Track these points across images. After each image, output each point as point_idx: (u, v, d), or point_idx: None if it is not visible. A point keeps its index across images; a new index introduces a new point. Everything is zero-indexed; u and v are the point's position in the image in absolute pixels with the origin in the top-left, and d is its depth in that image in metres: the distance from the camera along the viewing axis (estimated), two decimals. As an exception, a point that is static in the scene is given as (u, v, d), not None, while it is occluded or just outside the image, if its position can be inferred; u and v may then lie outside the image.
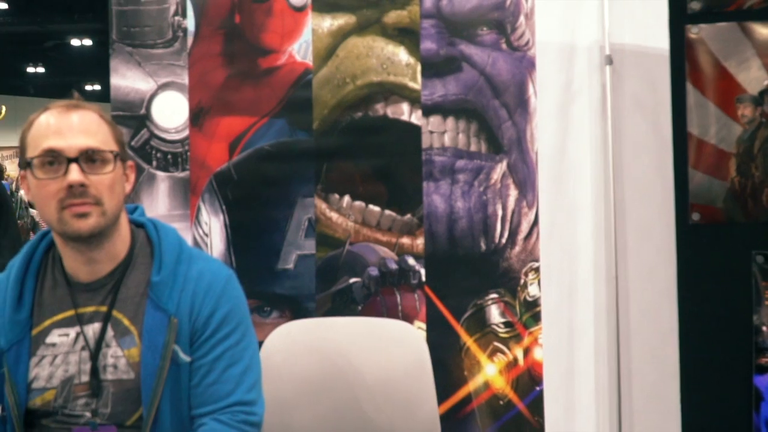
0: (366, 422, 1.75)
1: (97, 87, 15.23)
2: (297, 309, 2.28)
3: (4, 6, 10.77)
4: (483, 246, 2.24)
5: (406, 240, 2.26)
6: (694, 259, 1.86)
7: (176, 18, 2.35)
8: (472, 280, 2.23)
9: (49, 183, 1.28)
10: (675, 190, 1.88)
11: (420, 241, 2.25)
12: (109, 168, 1.31)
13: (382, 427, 1.74)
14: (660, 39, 2.13)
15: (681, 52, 1.85)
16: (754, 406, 1.78)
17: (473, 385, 2.24)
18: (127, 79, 2.36)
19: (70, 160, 1.27)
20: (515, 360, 2.23)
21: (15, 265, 1.40)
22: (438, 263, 2.25)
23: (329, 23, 2.29)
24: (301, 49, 2.30)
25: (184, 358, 1.33)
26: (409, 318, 2.24)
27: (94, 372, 1.32)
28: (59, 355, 1.34)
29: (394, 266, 2.26)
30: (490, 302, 2.24)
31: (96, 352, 1.33)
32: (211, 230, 2.32)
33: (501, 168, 2.24)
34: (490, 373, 2.24)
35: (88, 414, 1.32)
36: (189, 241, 2.26)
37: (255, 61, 2.31)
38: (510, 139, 2.24)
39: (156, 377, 1.30)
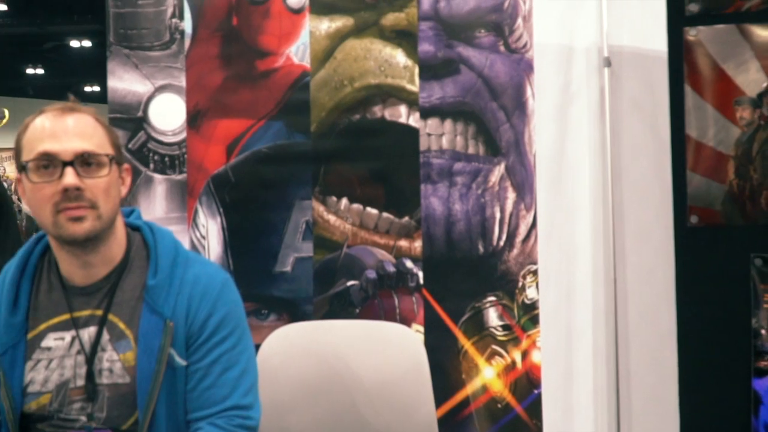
0: (364, 425, 1.74)
1: (97, 88, 15.21)
2: (294, 312, 2.27)
3: (3, 7, 10.75)
4: (481, 249, 2.23)
5: (403, 243, 2.25)
6: (692, 261, 1.85)
7: (173, 20, 2.34)
8: (470, 282, 2.23)
9: (44, 186, 1.28)
10: (673, 192, 1.88)
11: (418, 244, 2.25)
12: (104, 171, 1.30)
13: (380, 430, 1.74)
14: (658, 41, 2.13)
15: (679, 54, 1.85)
16: (753, 409, 1.77)
17: (471, 388, 2.23)
18: (125, 81, 2.36)
19: (65, 164, 1.27)
20: (513, 363, 2.23)
21: (11, 268, 1.39)
22: (436, 266, 2.24)
23: (327, 25, 2.28)
24: (298, 52, 2.29)
25: (180, 362, 1.33)
26: (406, 321, 2.23)
27: (90, 376, 1.32)
28: (54, 359, 1.33)
29: (391, 269, 2.25)
30: (488, 305, 2.23)
31: (91, 355, 1.32)
32: (209, 233, 2.32)
33: (499, 170, 2.24)
34: (488, 376, 2.23)
35: (83, 418, 1.32)
36: (186, 244, 2.26)
37: (252, 63, 2.31)
38: (508, 142, 2.23)
39: (152, 381, 1.30)
